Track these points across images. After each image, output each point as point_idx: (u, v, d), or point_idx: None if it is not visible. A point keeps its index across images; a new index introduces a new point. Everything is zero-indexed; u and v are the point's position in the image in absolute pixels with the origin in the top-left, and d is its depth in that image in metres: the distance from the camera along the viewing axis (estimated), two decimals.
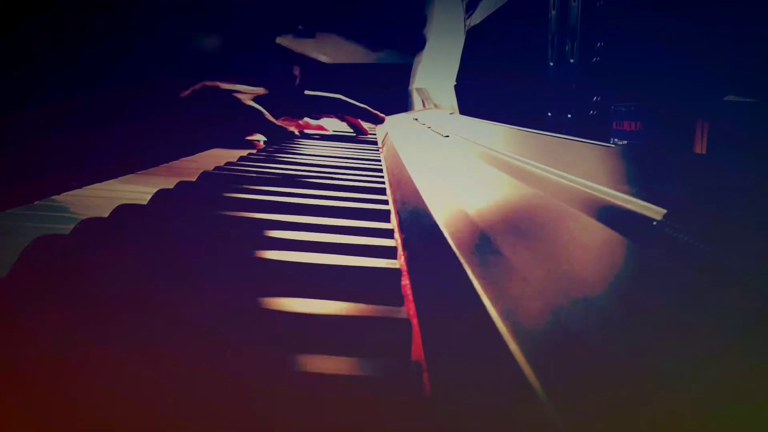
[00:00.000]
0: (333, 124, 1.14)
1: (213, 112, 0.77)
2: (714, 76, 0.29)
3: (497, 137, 0.52)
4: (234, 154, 0.68)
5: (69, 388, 0.14)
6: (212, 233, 0.28)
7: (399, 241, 0.32)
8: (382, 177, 0.57)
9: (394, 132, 0.95)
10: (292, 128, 0.90)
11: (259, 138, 0.85)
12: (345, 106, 1.03)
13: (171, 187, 0.40)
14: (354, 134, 1.10)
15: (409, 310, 0.20)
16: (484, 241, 0.21)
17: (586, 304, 0.15)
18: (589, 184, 0.24)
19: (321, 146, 0.85)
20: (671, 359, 0.11)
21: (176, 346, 0.17)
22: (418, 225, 0.30)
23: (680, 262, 0.15)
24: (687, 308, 0.13)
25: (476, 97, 0.90)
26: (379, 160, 0.71)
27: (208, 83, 0.80)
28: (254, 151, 0.72)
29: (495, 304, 0.16)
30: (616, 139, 0.36)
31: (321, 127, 1.10)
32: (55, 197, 0.41)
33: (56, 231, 0.25)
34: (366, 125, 1.13)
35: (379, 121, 1.07)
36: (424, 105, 1.48)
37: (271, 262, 0.23)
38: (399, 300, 0.22)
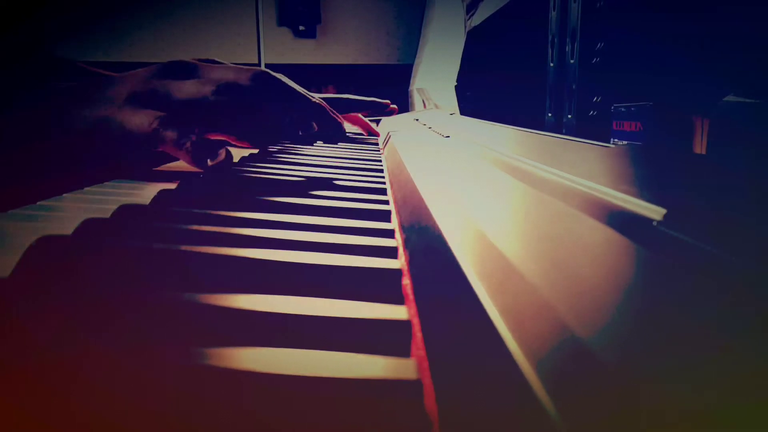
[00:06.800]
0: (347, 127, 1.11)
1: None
2: (714, 76, 0.29)
3: (498, 137, 0.52)
4: (235, 154, 0.68)
5: (69, 388, 0.14)
6: (212, 233, 0.28)
7: (399, 240, 0.32)
8: (383, 177, 0.57)
9: (395, 132, 0.95)
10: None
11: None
12: (353, 104, 1.00)
13: (173, 187, 0.40)
14: (363, 135, 1.09)
15: (409, 309, 0.20)
16: (485, 240, 0.21)
17: (586, 304, 0.15)
18: (589, 184, 0.24)
19: (322, 146, 0.85)
20: (671, 359, 0.11)
21: (175, 346, 0.17)
22: (419, 225, 0.30)
23: (680, 262, 0.15)
24: (687, 308, 0.13)
25: (477, 98, 0.90)
26: (380, 160, 0.71)
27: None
28: (256, 151, 0.72)
29: (495, 303, 0.16)
30: (616, 140, 0.36)
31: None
32: (57, 198, 0.41)
33: (58, 231, 0.25)
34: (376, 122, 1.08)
35: (388, 112, 1.02)
36: (424, 105, 1.48)
37: (271, 262, 0.23)
38: (399, 300, 0.22)
